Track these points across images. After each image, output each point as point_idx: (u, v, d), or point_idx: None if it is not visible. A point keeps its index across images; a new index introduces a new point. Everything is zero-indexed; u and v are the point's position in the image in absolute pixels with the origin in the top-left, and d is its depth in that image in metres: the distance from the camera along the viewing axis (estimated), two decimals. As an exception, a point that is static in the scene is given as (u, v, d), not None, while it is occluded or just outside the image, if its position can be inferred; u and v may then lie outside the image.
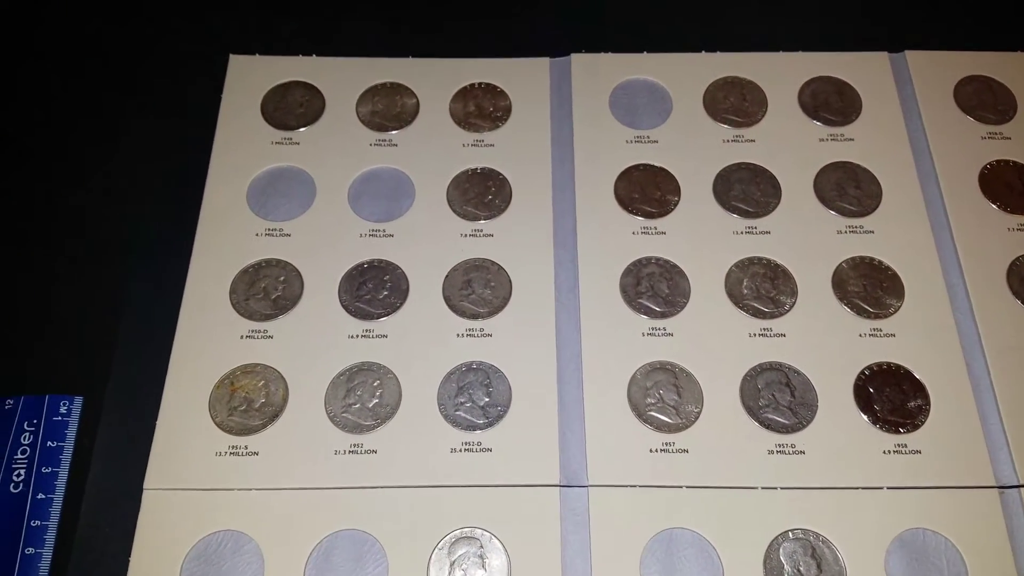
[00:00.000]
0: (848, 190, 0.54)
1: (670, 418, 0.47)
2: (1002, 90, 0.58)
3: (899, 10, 0.62)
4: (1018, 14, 0.62)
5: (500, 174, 0.54)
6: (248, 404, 0.46)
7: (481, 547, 0.43)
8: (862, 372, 0.48)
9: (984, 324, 0.49)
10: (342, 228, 0.52)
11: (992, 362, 0.48)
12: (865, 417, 0.47)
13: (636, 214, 0.53)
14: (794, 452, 0.46)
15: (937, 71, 0.58)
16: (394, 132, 0.56)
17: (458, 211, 0.53)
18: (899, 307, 0.50)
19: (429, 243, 0.52)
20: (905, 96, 0.57)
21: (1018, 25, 0.61)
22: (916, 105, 0.57)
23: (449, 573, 0.42)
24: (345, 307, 0.50)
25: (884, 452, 0.46)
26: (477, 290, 0.50)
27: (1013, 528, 0.44)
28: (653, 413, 0.47)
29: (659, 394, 0.47)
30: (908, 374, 0.48)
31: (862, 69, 0.58)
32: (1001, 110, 0.57)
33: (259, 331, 0.49)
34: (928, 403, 0.47)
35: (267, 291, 0.50)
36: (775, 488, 0.45)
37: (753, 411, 0.47)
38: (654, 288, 0.51)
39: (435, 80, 0.58)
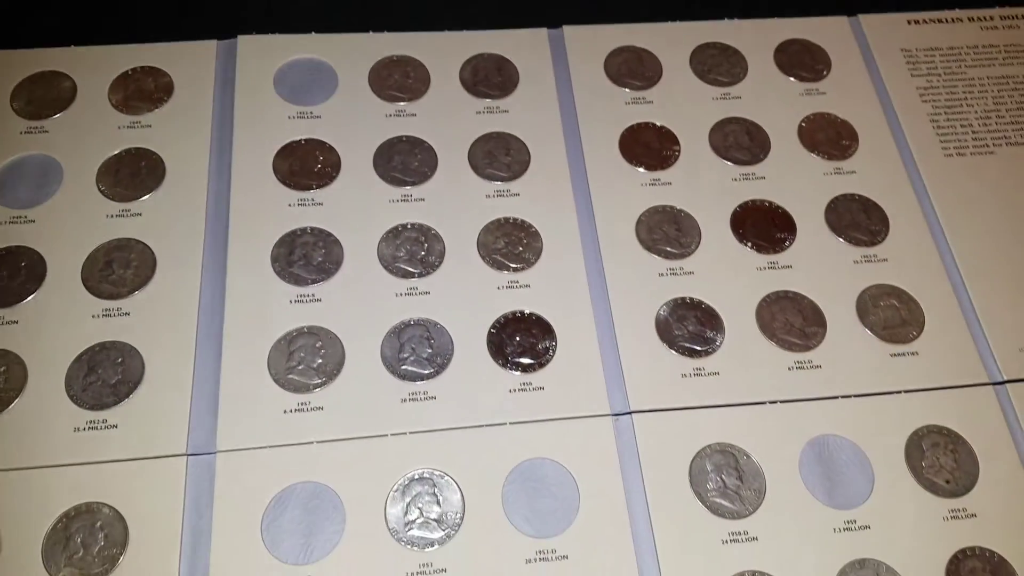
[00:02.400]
0: (499, 157, 0.59)
1: (308, 379, 0.50)
2: (650, 58, 0.65)
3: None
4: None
5: (154, 153, 0.56)
6: None
7: (99, 522, 0.44)
8: (496, 320, 0.53)
9: (610, 270, 0.55)
10: (-23, 218, 0.53)
11: (615, 304, 0.54)
12: (496, 361, 0.51)
13: (294, 187, 0.56)
14: (426, 398, 0.50)
15: (590, 44, 0.65)
16: (48, 119, 0.57)
17: (107, 193, 0.55)
18: (536, 260, 0.55)
19: (73, 227, 0.53)
20: (560, 69, 0.63)
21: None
22: (568, 76, 0.63)
23: (63, 549, 0.44)
24: (-26, 297, 0.50)
25: (510, 391, 0.51)
26: (117, 271, 0.52)
27: (622, 451, 0.49)
28: (292, 376, 0.50)
29: (300, 356, 0.51)
30: (539, 319, 0.53)
31: (521, 45, 0.64)
32: (648, 76, 0.64)
33: None
34: (555, 344, 0.52)
35: None
36: (404, 433, 0.49)
37: (392, 364, 0.51)
38: (308, 256, 0.54)
39: (95, 65, 0.60)
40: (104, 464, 0.46)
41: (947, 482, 0.49)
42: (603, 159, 0.60)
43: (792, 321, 0.54)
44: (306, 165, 0.57)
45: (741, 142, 0.61)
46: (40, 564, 0.43)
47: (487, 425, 0.49)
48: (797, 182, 0.60)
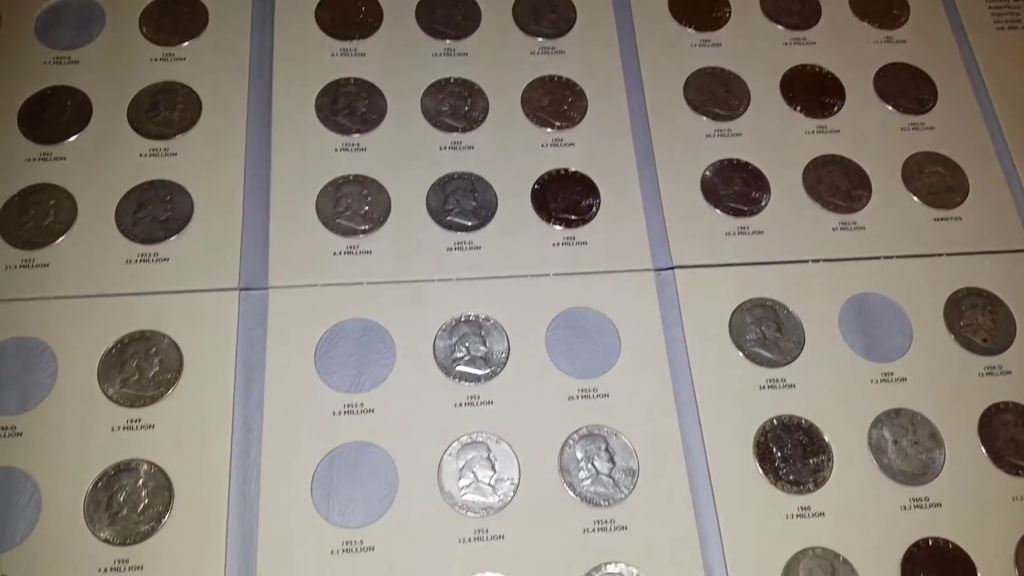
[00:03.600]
0: (544, 14, 0.59)
1: (356, 224, 0.51)
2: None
3: None
4: None
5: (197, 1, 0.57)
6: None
7: (154, 348, 0.46)
8: (540, 177, 0.54)
9: (656, 130, 0.56)
10: (23, 58, 0.53)
11: (660, 164, 0.55)
12: (539, 216, 0.52)
13: (336, 37, 0.56)
14: (471, 248, 0.51)
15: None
16: (86, -36, 0.57)
17: (150, 37, 0.55)
18: (580, 119, 0.56)
19: (117, 68, 0.54)
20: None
21: None
22: (616, -66, 0.62)
23: (118, 372, 0.46)
24: (25, 134, 0.51)
25: (553, 244, 0.52)
26: (163, 112, 0.52)
27: (664, 304, 0.51)
28: (340, 221, 0.51)
29: (347, 203, 0.52)
30: (583, 178, 0.54)
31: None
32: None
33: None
34: (599, 201, 0.53)
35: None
36: (451, 280, 0.50)
37: (437, 215, 0.52)
38: (352, 106, 0.55)
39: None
40: (158, 295, 0.48)
41: (984, 341, 0.51)
42: (652, 18, 0.59)
43: (838, 184, 0.55)
44: (348, 15, 0.57)
45: (792, 7, 0.61)
46: (96, 385, 0.45)
47: (531, 275, 0.51)
48: (847, 49, 0.60)
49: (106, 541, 0.42)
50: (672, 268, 0.52)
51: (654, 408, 0.48)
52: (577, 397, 0.48)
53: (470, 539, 0.44)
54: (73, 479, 0.44)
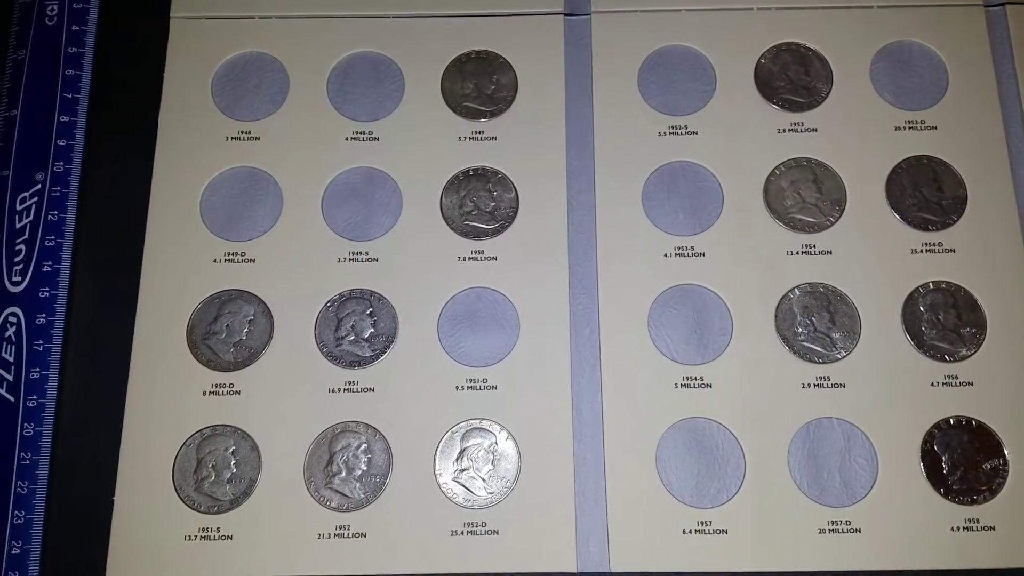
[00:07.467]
0: None
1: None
2: None
3: None
4: None
5: None
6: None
7: (490, 67, 0.50)
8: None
9: None
10: None
11: None
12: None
13: None
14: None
15: None
16: None
17: None
18: None
19: None
20: None
21: None
22: None
23: (460, 87, 0.50)
24: None
25: (871, -29, 0.52)
26: None
27: (995, 42, 0.50)
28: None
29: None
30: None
31: None
32: None
33: None
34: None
35: None
36: (769, 8, 0.51)
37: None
38: None
39: None
40: (487, 18, 0.51)
41: None
42: None
43: None
44: None
45: None
46: (441, 101, 0.50)
47: (853, 6, 0.51)
48: None
49: (462, 235, 0.47)
50: (1003, 4, 0.51)
51: (985, 140, 0.48)
52: (904, 128, 0.49)
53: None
54: (430, 178, 0.48)
